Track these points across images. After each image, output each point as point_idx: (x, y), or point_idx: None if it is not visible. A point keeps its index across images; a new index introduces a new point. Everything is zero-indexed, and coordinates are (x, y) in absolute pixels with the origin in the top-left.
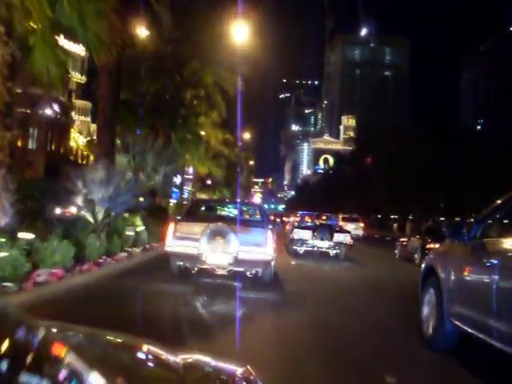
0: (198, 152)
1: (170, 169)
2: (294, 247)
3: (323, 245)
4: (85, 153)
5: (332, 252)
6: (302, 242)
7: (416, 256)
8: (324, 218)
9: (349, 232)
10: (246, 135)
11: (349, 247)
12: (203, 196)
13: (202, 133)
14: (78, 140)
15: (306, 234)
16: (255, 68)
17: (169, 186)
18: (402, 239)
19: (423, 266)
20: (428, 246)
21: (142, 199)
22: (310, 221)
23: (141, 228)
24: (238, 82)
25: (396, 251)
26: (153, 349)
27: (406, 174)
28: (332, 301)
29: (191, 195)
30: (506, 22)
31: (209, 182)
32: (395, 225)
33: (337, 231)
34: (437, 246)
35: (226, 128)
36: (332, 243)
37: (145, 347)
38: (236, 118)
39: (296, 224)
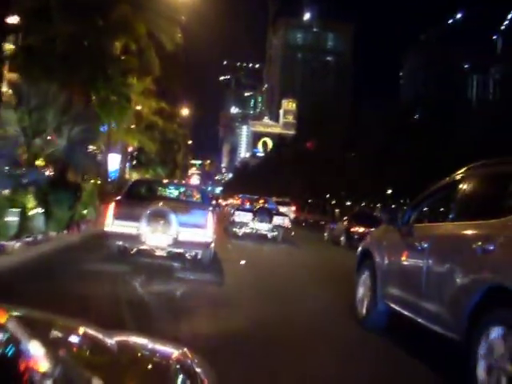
0: (126, 119)
1: (79, 131)
2: (234, 229)
3: (262, 227)
4: None
5: (270, 234)
6: (242, 224)
7: (341, 239)
8: (263, 201)
9: (287, 215)
10: (185, 111)
11: (286, 230)
12: (134, 175)
13: (132, 97)
14: None
15: (247, 217)
16: (196, 34)
17: (83, 156)
18: (331, 224)
19: (359, 249)
20: (352, 230)
21: (47, 172)
22: (249, 204)
23: (34, 211)
24: (178, 35)
25: (325, 234)
26: (87, 330)
27: (352, 160)
28: (268, 280)
29: (119, 174)
30: (448, 12)
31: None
32: (337, 210)
33: (276, 214)
34: (360, 229)
35: (162, 98)
36: (271, 226)
37: (80, 329)
38: (173, 86)
39: (236, 207)
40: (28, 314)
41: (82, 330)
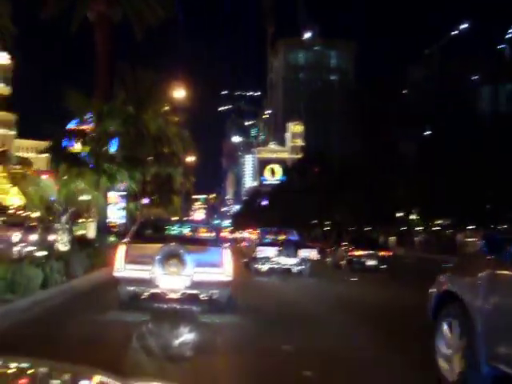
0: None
1: None
2: (256, 265)
3: (288, 262)
4: None
5: (295, 269)
6: (266, 259)
7: (342, 263)
8: (285, 233)
9: (314, 247)
10: (190, 159)
11: (313, 263)
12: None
13: None
14: None
15: (271, 251)
16: (194, 92)
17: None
18: (329, 249)
19: (433, 289)
20: (350, 254)
21: None
22: (271, 237)
23: None
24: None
25: (327, 259)
26: (103, 378)
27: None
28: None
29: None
30: (451, 24)
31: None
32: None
33: (302, 247)
34: (359, 253)
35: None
36: (297, 260)
37: (96, 377)
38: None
39: (258, 242)
40: (43, 363)
41: (97, 378)
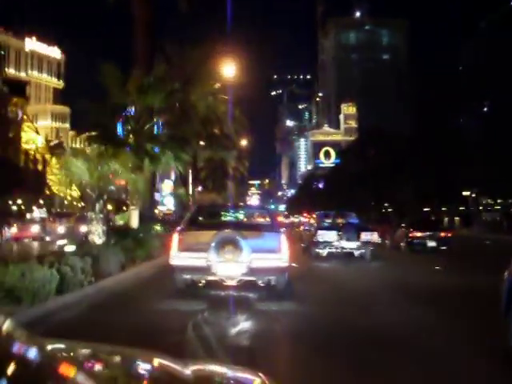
0: None
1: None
2: (317, 250)
3: (349, 245)
4: (46, 156)
5: (357, 252)
6: (326, 243)
7: (401, 244)
8: (344, 216)
9: (376, 230)
10: (243, 142)
11: (376, 246)
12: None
13: None
14: (36, 141)
15: (331, 235)
16: (243, 55)
17: None
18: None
19: (507, 277)
20: (411, 235)
21: None
22: (330, 221)
23: None
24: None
25: (386, 241)
26: (162, 361)
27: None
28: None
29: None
30: None
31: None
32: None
33: (364, 229)
34: (419, 234)
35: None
36: (359, 243)
37: (155, 360)
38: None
39: (318, 226)
40: (103, 347)
41: (156, 360)
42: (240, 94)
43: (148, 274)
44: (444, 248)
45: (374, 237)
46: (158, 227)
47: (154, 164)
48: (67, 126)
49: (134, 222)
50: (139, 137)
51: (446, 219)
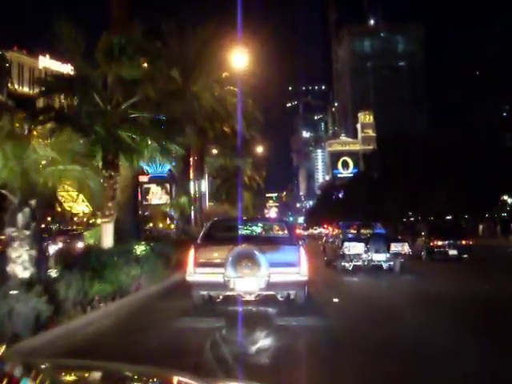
0: None
1: None
2: (343, 263)
3: (378, 258)
4: None
5: (385, 265)
6: (353, 256)
7: (422, 254)
8: (369, 227)
9: (406, 241)
10: (259, 149)
11: (405, 258)
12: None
13: None
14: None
15: (359, 247)
16: (260, 87)
17: None
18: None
19: None
20: (431, 244)
21: None
22: (355, 232)
23: None
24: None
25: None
26: (183, 379)
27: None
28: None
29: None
30: None
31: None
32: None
33: (393, 240)
34: (439, 242)
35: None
36: (388, 255)
37: (174, 378)
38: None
39: (343, 237)
40: (123, 367)
41: (176, 379)
42: (254, 90)
43: (95, 333)
44: (465, 256)
45: (404, 248)
46: (141, 247)
47: (132, 159)
48: None
49: (108, 241)
50: (109, 120)
51: (481, 227)
